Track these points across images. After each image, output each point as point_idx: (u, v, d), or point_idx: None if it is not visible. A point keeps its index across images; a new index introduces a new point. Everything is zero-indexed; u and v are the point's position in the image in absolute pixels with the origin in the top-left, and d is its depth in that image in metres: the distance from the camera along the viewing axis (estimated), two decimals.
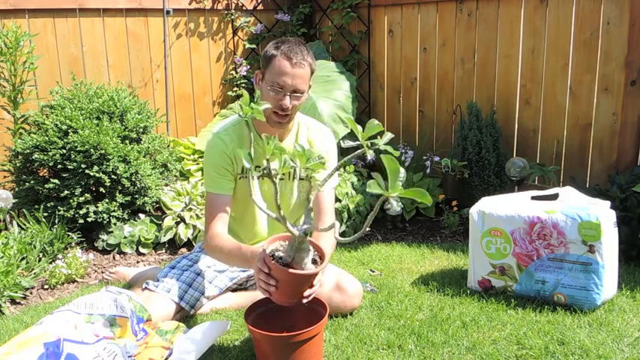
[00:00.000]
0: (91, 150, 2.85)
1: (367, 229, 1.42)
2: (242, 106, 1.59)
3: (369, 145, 1.48)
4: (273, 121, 2.04)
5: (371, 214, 1.38)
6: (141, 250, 2.99)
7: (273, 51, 2.00)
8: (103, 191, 2.95)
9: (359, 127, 1.49)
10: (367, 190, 1.32)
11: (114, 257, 2.95)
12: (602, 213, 2.10)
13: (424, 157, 3.48)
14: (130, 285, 2.51)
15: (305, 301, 1.74)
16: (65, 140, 2.85)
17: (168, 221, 3.03)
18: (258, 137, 2.12)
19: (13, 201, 2.97)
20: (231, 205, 2.14)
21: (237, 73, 4.11)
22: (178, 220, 3.06)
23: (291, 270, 1.63)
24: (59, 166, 2.86)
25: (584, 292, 2.11)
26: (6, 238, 2.68)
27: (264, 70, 2.03)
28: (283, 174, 2.18)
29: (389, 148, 1.45)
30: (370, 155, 1.52)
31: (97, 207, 2.93)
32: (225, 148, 2.09)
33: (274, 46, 2.01)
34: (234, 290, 2.34)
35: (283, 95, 1.98)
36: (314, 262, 1.69)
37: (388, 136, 1.52)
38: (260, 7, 4.15)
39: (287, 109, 2.00)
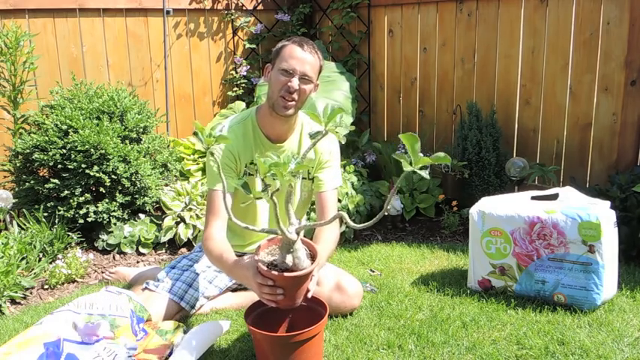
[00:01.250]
0: (91, 150, 2.85)
1: (385, 212, 1.46)
2: (200, 134, 1.53)
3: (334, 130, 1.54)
4: (279, 107, 2.03)
5: (388, 198, 1.43)
6: (141, 250, 2.99)
7: (285, 42, 2.06)
8: (103, 191, 2.95)
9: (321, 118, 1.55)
10: (404, 168, 1.34)
11: (114, 257, 2.95)
12: (602, 213, 2.10)
13: None
14: (130, 285, 2.51)
15: (310, 294, 1.74)
16: (65, 140, 2.85)
17: (168, 221, 3.03)
18: (263, 137, 2.12)
19: (13, 201, 2.96)
20: (232, 202, 2.14)
21: (237, 73, 4.11)
22: (178, 220, 3.06)
23: (296, 273, 1.63)
24: (59, 166, 2.86)
25: (584, 292, 2.11)
26: (6, 238, 2.68)
27: (275, 61, 2.06)
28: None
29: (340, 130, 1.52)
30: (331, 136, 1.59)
31: (97, 207, 2.93)
32: (229, 146, 2.09)
33: (286, 40, 2.07)
34: (234, 290, 2.34)
35: (292, 77, 2.00)
36: (307, 256, 1.70)
37: (341, 117, 1.56)
38: (260, 7, 4.15)
39: (294, 92, 2.00)
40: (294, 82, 1.99)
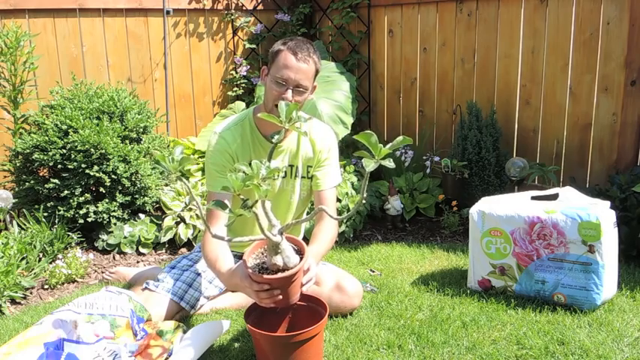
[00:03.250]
0: (91, 150, 2.85)
1: (361, 204, 1.47)
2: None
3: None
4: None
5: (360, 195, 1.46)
6: (141, 250, 2.99)
7: (280, 46, 2.03)
8: (103, 191, 2.95)
9: None
10: (365, 167, 1.40)
11: (114, 257, 2.95)
12: (602, 213, 2.10)
13: (424, 157, 3.48)
14: (130, 285, 2.51)
15: (305, 288, 1.75)
16: (65, 140, 2.85)
17: (168, 221, 3.03)
18: (261, 137, 2.12)
19: (13, 201, 2.96)
20: (232, 204, 2.14)
21: (237, 73, 4.11)
22: (178, 220, 3.06)
23: (290, 271, 1.64)
24: (59, 165, 2.86)
25: (584, 292, 2.11)
26: (6, 238, 2.68)
27: (270, 65, 2.05)
28: (285, 172, 2.18)
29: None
30: None
31: (97, 207, 2.92)
32: (227, 147, 2.09)
33: (282, 42, 2.05)
34: (234, 290, 2.34)
35: (286, 89, 1.99)
36: (294, 251, 1.71)
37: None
38: (260, 7, 4.15)
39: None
40: (288, 94, 1.99)
